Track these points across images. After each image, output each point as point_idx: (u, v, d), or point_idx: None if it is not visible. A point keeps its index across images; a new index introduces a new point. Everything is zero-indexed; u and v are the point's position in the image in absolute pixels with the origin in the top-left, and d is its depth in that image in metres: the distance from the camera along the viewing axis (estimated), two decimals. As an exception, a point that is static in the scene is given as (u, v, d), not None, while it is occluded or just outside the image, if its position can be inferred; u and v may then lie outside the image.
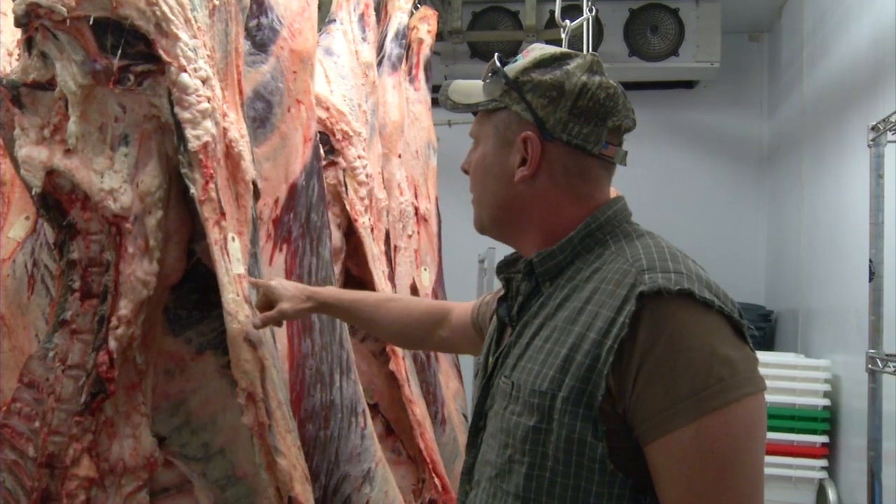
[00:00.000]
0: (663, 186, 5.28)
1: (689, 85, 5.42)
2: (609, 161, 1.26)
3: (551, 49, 1.29)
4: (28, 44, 1.49)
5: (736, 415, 1.06)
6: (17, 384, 1.48)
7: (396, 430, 2.67)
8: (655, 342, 1.07)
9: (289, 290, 1.66)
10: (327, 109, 2.38)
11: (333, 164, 2.41)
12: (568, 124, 1.23)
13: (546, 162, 1.25)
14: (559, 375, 1.13)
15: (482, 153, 1.31)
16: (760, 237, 5.36)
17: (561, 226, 1.25)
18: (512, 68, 1.27)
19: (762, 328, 4.76)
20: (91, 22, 1.43)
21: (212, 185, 1.44)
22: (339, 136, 2.41)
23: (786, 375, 3.67)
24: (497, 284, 1.60)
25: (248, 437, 1.53)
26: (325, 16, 2.56)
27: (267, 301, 1.64)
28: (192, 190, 1.43)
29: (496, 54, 1.31)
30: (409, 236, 2.96)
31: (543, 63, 1.26)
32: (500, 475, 1.17)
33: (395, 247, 2.85)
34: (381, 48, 2.98)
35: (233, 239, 1.49)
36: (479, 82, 1.32)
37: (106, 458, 1.50)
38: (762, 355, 3.91)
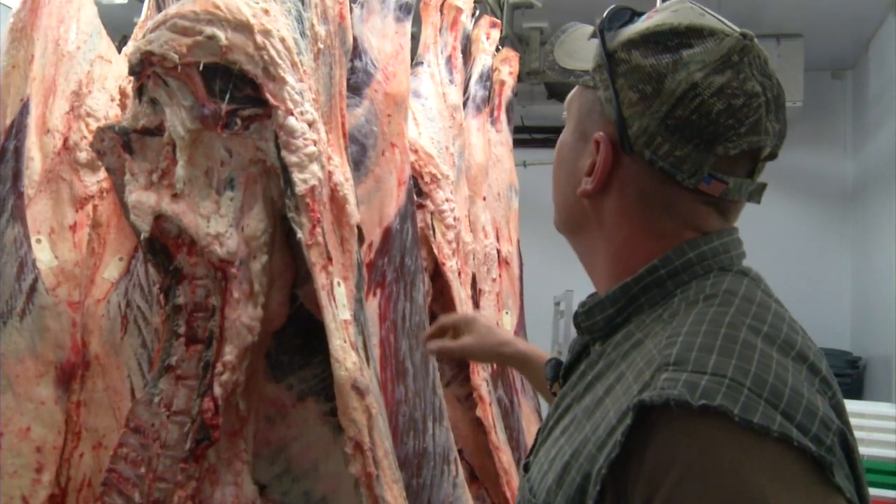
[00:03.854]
0: (744, 227, 5.14)
1: (769, 124, 5.30)
2: (712, 197, 0.90)
3: (683, 17, 0.89)
4: (139, 91, 1.51)
5: None
6: (123, 429, 1.48)
7: (481, 478, 2.61)
8: (664, 478, 0.72)
9: (481, 324, 1.57)
10: (416, 152, 2.37)
11: (421, 206, 2.39)
12: (655, 138, 0.87)
13: (618, 179, 0.92)
14: (555, 487, 0.83)
15: (562, 139, 1.02)
16: (845, 279, 5.19)
17: (632, 264, 0.92)
18: (618, 36, 0.92)
19: (850, 374, 4.59)
20: (200, 68, 1.44)
21: (318, 230, 1.43)
22: (427, 178, 2.39)
23: (883, 427, 3.51)
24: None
25: (351, 487, 1.49)
26: (412, 57, 2.56)
27: (441, 331, 1.60)
28: (300, 234, 1.41)
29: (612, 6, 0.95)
30: (494, 280, 2.92)
31: (657, 37, 0.89)
32: None
33: (480, 290, 2.81)
34: (465, 89, 2.98)
35: (339, 284, 1.47)
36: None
37: (208, 505, 1.48)
38: (852, 405, 3.78)
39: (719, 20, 0.90)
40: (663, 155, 0.87)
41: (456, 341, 1.58)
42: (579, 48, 0.99)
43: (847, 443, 0.76)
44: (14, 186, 1.80)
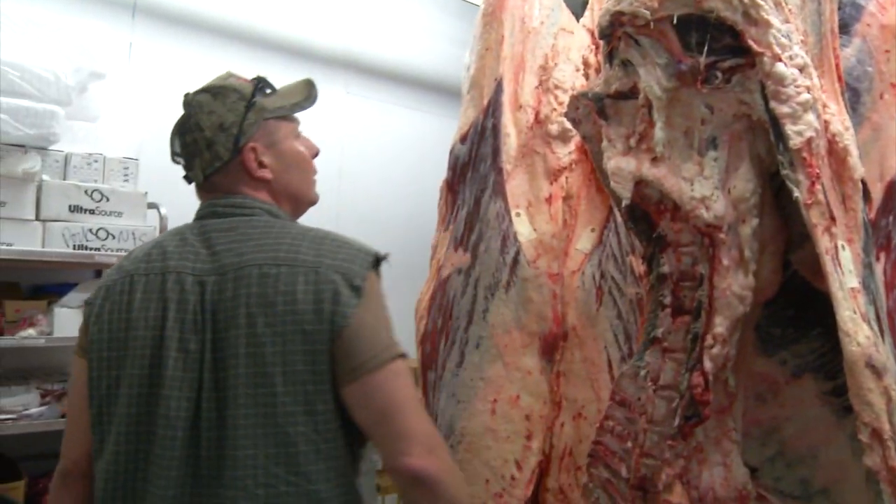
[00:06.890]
0: None
1: None
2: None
3: None
4: (610, 55, 1.46)
5: None
6: (609, 402, 1.46)
7: None
8: None
9: None
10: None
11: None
12: None
13: None
14: None
15: None
16: None
17: None
18: None
19: None
20: (674, 21, 1.35)
21: (818, 187, 1.26)
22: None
23: None
24: None
25: (860, 480, 1.30)
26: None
27: None
28: (796, 193, 1.25)
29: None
30: None
31: None
32: None
33: None
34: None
35: (843, 247, 1.28)
36: None
37: (696, 485, 1.40)
38: None
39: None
40: None
41: None
42: None
43: None
44: (494, 163, 1.88)
